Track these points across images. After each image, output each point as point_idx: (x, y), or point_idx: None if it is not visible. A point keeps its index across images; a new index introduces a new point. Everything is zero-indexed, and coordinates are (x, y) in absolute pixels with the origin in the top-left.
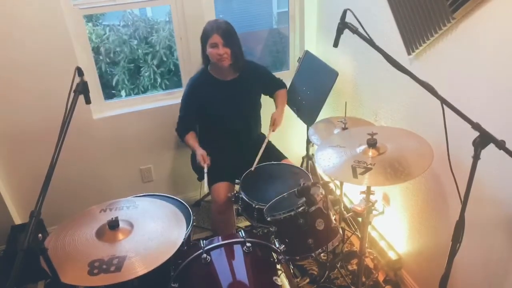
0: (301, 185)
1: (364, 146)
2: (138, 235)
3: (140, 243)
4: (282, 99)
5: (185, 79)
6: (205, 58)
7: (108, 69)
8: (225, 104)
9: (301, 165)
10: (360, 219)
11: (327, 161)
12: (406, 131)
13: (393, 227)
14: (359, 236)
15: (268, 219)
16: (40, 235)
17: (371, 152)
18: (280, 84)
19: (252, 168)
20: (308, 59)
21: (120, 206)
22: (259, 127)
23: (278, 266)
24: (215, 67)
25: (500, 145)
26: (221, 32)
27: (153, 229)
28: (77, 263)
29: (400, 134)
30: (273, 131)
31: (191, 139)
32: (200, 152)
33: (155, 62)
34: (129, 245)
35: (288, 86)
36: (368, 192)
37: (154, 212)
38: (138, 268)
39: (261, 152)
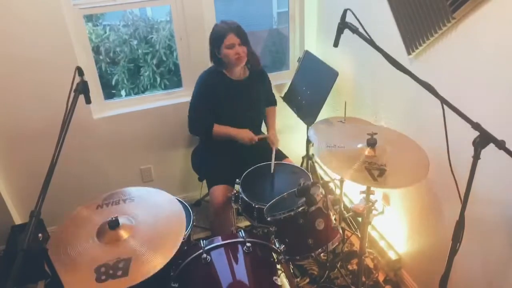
0: (301, 185)
1: (362, 145)
2: (138, 234)
3: (144, 239)
4: (273, 119)
5: (185, 79)
6: (218, 61)
7: (108, 69)
8: (236, 103)
9: (301, 165)
10: (360, 219)
11: (334, 163)
12: (399, 134)
13: (393, 227)
14: (359, 236)
15: (268, 219)
16: (40, 234)
17: (367, 151)
18: (274, 101)
19: (272, 171)
20: (308, 59)
21: (116, 200)
22: (261, 127)
23: (278, 266)
24: (226, 67)
25: (500, 145)
26: (236, 31)
27: (153, 226)
28: (83, 270)
29: (394, 137)
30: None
31: (221, 128)
32: (246, 135)
33: (155, 61)
34: (131, 245)
35: (287, 88)
36: (368, 191)
37: (150, 202)
38: (143, 270)
39: (273, 161)
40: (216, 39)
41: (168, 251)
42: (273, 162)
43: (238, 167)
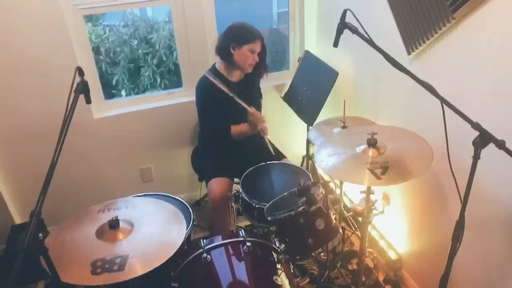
0: (301, 184)
1: (364, 147)
2: (138, 235)
3: (141, 243)
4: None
5: (185, 79)
6: (227, 54)
7: (108, 69)
8: (236, 104)
9: (301, 164)
10: (360, 218)
11: (342, 171)
12: (399, 129)
13: (393, 226)
14: (359, 235)
15: (269, 218)
16: (40, 234)
17: (371, 152)
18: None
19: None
20: (308, 59)
21: (118, 206)
22: None
23: (278, 266)
24: (228, 65)
25: (500, 144)
26: (263, 42)
27: (153, 229)
28: (79, 263)
29: (395, 133)
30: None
31: (237, 127)
32: (257, 118)
33: (155, 62)
34: (129, 244)
35: (287, 88)
36: (368, 191)
37: (153, 211)
38: (141, 266)
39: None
40: (243, 37)
41: (157, 263)
42: (270, 146)
43: (238, 163)
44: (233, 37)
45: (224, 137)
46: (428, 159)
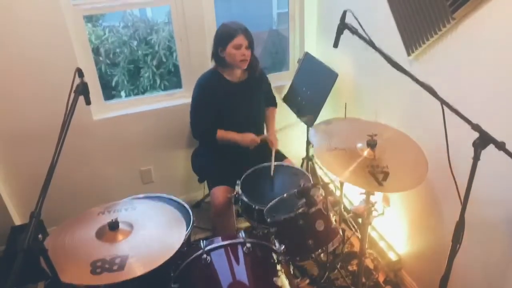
0: (301, 186)
1: (363, 146)
2: (137, 236)
3: (140, 244)
4: (273, 120)
5: (185, 80)
6: (220, 60)
7: (108, 70)
8: (235, 105)
9: (301, 166)
10: (360, 220)
11: (334, 164)
12: (399, 133)
13: (393, 227)
14: (359, 237)
15: (268, 220)
16: (40, 235)
17: (368, 152)
18: (274, 102)
19: (272, 174)
20: (308, 60)
21: (118, 209)
22: (262, 129)
23: (278, 267)
24: (226, 68)
25: (500, 146)
26: (245, 33)
27: (153, 231)
28: (79, 262)
29: (394, 138)
30: (275, 148)
31: (225, 133)
32: (250, 138)
33: (154, 63)
34: (129, 245)
35: (287, 89)
36: (368, 193)
37: (152, 214)
38: (140, 267)
39: (273, 162)
40: (225, 37)
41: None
42: (272, 164)
43: (239, 168)
44: (218, 41)
45: (209, 139)
46: (422, 171)
